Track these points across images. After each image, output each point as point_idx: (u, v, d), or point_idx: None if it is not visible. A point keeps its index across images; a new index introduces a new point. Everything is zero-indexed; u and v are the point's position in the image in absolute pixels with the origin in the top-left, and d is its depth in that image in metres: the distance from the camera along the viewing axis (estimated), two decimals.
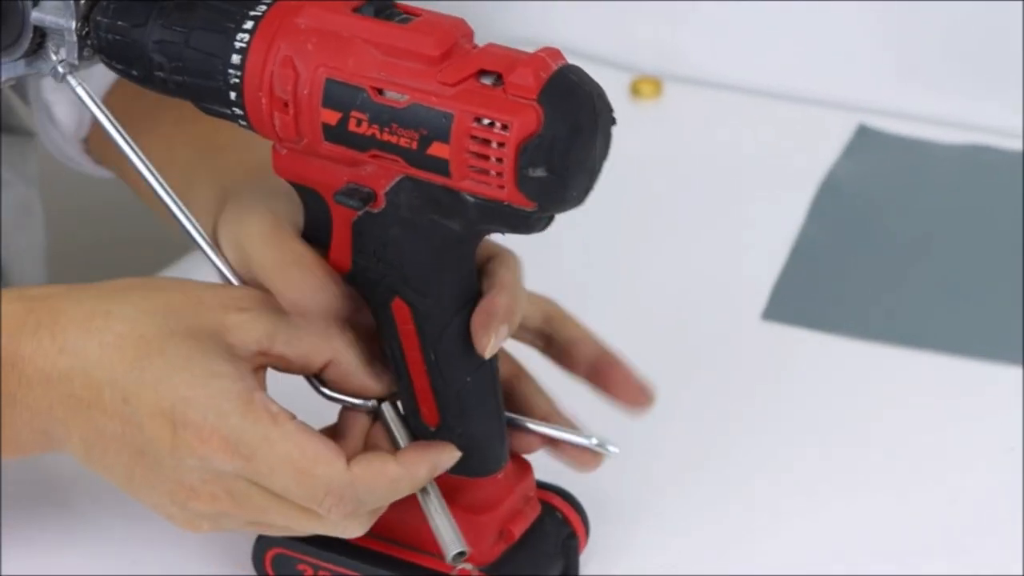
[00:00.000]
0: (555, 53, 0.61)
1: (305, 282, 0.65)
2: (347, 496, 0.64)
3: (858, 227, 1.01)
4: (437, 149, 0.60)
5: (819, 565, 0.76)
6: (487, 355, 0.66)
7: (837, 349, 0.91)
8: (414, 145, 0.61)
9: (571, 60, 0.90)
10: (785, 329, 0.92)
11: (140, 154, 0.67)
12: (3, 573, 0.73)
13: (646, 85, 1.14)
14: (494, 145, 0.59)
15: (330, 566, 0.70)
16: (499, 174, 0.59)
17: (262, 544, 0.71)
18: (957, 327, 0.92)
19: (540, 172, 0.59)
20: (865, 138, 1.09)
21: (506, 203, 0.61)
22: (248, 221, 0.67)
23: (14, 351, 0.66)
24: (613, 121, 0.62)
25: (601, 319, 0.91)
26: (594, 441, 0.70)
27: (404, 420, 0.68)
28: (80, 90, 0.67)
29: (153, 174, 0.67)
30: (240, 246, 0.67)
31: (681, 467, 0.81)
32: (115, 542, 0.75)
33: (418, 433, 0.67)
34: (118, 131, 0.67)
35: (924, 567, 0.76)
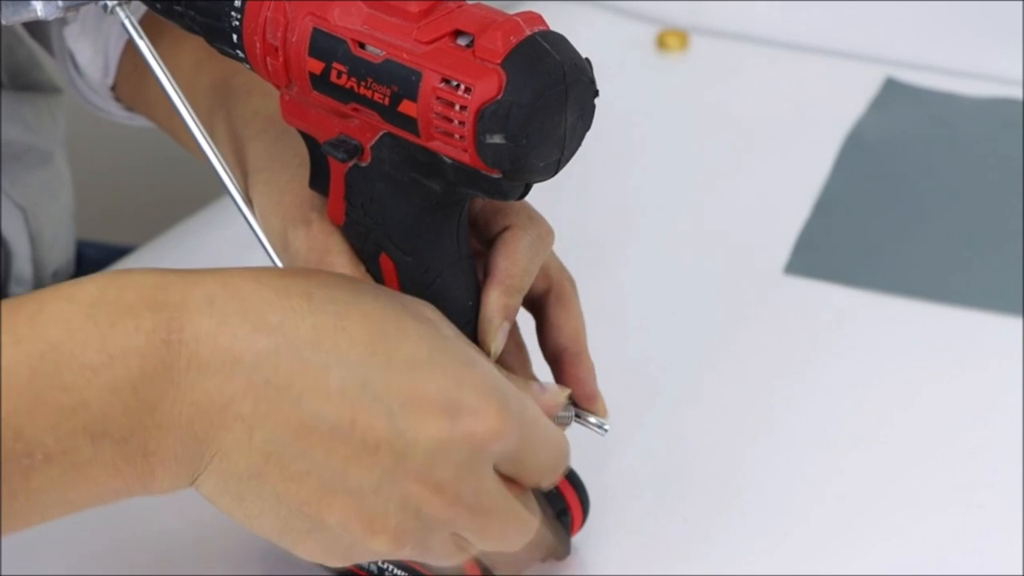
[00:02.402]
0: (534, 18, 0.60)
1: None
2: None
3: (883, 181, 1.01)
4: (406, 107, 0.60)
5: (836, 525, 0.76)
6: (493, 357, 0.66)
7: (859, 303, 0.91)
8: (386, 101, 0.60)
9: (597, 13, 0.90)
10: (807, 283, 0.92)
11: (179, 91, 0.67)
12: (3, 573, 0.72)
13: (672, 38, 1.13)
14: (457, 108, 0.59)
15: None
16: (461, 137, 0.59)
17: None
18: (982, 282, 0.92)
19: (498, 139, 0.58)
20: (892, 91, 1.08)
21: (472, 167, 0.60)
22: (286, 205, 0.66)
23: (177, 328, 0.55)
24: (594, 93, 0.60)
25: (622, 271, 0.92)
26: (593, 420, 0.69)
27: None
28: (127, 23, 0.66)
29: (190, 112, 0.67)
30: (281, 231, 0.67)
31: (699, 432, 0.81)
32: (115, 542, 0.74)
33: None
34: (161, 68, 0.67)
35: (948, 517, 0.77)
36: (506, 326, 0.66)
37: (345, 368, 0.56)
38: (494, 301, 0.65)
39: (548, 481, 0.62)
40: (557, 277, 0.70)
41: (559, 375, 0.70)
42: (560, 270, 0.70)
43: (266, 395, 0.55)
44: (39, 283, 0.94)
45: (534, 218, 0.67)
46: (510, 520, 0.60)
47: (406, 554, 0.58)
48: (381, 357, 0.57)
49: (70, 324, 0.55)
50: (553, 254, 0.70)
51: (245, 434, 0.56)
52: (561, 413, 0.68)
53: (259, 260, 0.68)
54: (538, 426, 0.60)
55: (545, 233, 0.67)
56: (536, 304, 0.70)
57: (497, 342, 0.66)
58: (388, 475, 0.57)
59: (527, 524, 0.61)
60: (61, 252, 0.95)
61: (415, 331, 0.58)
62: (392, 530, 0.58)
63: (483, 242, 0.67)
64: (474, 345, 0.63)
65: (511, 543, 0.61)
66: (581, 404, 0.69)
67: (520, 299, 0.67)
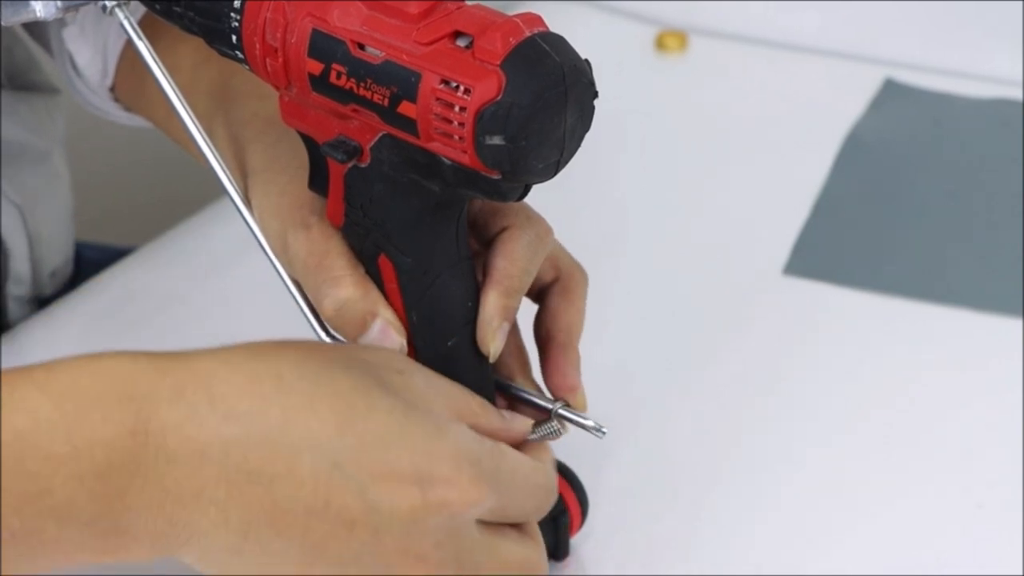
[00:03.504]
0: (533, 19, 0.60)
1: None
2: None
3: (882, 181, 1.01)
4: (406, 108, 0.60)
5: (836, 525, 0.76)
6: (492, 359, 0.66)
7: (859, 304, 0.90)
8: (386, 102, 0.60)
9: (596, 14, 0.90)
10: (806, 284, 0.92)
11: (179, 92, 0.67)
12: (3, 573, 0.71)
13: (671, 39, 1.13)
14: (456, 109, 0.59)
15: None
16: (461, 139, 0.59)
17: None
18: (982, 283, 0.92)
19: (497, 140, 0.59)
20: (891, 92, 1.08)
21: (472, 168, 0.60)
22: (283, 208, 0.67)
23: (144, 420, 0.56)
24: (593, 94, 0.61)
25: (621, 271, 0.92)
26: (590, 423, 0.68)
27: None
28: (127, 24, 0.67)
29: (189, 114, 0.67)
30: (280, 234, 0.67)
31: (698, 433, 0.81)
32: None
33: None
34: (160, 69, 0.67)
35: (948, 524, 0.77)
36: (505, 327, 0.66)
37: (315, 450, 0.57)
38: (493, 302, 0.65)
39: (535, 518, 0.63)
40: (567, 269, 0.70)
41: (543, 362, 0.70)
42: (571, 263, 0.70)
43: (238, 481, 0.56)
44: (37, 282, 0.94)
45: (532, 218, 0.67)
46: (504, 567, 0.61)
47: None
48: (350, 435, 0.57)
49: (38, 414, 0.56)
50: (564, 249, 0.70)
51: (221, 516, 0.57)
52: (552, 426, 0.68)
53: (258, 261, 0.68)
54: (516, 478, 0.61)
55: (544, 232, 0.67)
56: (541, 293, 0.70)
57: (496, 343, 0.66)
58: (367, 549, 0.57)
59: (527, 563, 0.62)
60: (59, 252, 0.95)
61: (384, 405, 0.59)
62: None
63: (481, 243, 0.67)
64: (461, 392, 0.63)
65: None
66: (559, 394, 0.69)
67: (519, 300, 0.67)
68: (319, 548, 0.57)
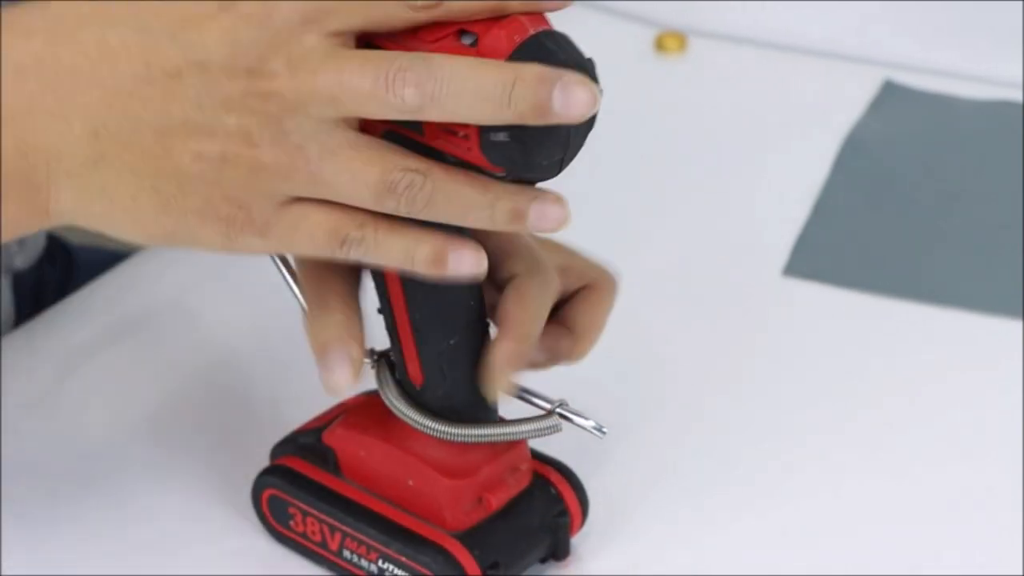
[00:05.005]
0: (538, 18, 0.60)
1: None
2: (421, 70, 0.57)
3: (882, 183, 1.01)
4: None
5: (836, 526, 0.76)
6: (492, 403, 0.67)
7: (858, 305, 0.91)
8: None
9: (595, 15, 0.90)
10: (806, 284, 0.92)
11: None
12: (3, 573, 0.72)
13: (671, 40, 1.13)
14: None
15: (317, 512, 0.70)
16: (466, 136, 0.59)
17: (259, 484, 0.72)
18: (981, 284, 0.92)
19: (502, 137, 0.59)
20: (891, 93, 1.08)
21: (477, 166, 0.60)
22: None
23: None
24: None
25: (621, 272, 0.92)
26: (590, 423, 0.69)
27: (394, 376, 0.68)
28: None
29: None
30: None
31: (698, 434, 0.81)
32: (115, 543, 0.74)
33: (406, 389, 0.68)
34: None
35: (943, 528, 0.77)
36: (512, 374, 0.66)
37: (118, 26, 0.57)
38: (505, 349, 0.66)
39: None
40: (594, 276, 0.71)
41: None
42: (598, 269, 0.72)
43: (61, 84, 0.57)
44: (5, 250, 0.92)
45: (540, 263, 0.68)
46: (352, 63, 0.58)
47: (289, 160, 0.58)
48: (144, 2, 0.58)
49: None
50: (581, 255, 0.71)
51: (63, 125, 0.58)
52: (547, 424, 0.68)
53: (259, 262, 0.68)
54: None
55: (551, 278, 0.68)
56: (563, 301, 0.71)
57: (503, 389, 0.66)
58: (203, 89, 0.57)
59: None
60: (31, 250, 0.94)
61: None
62: (241, 136, 0.58)
63: (491, 286, 0.68)
64: None
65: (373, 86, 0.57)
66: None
67: (531, 346, 0.67)
68: (164, 113, 0.57)
